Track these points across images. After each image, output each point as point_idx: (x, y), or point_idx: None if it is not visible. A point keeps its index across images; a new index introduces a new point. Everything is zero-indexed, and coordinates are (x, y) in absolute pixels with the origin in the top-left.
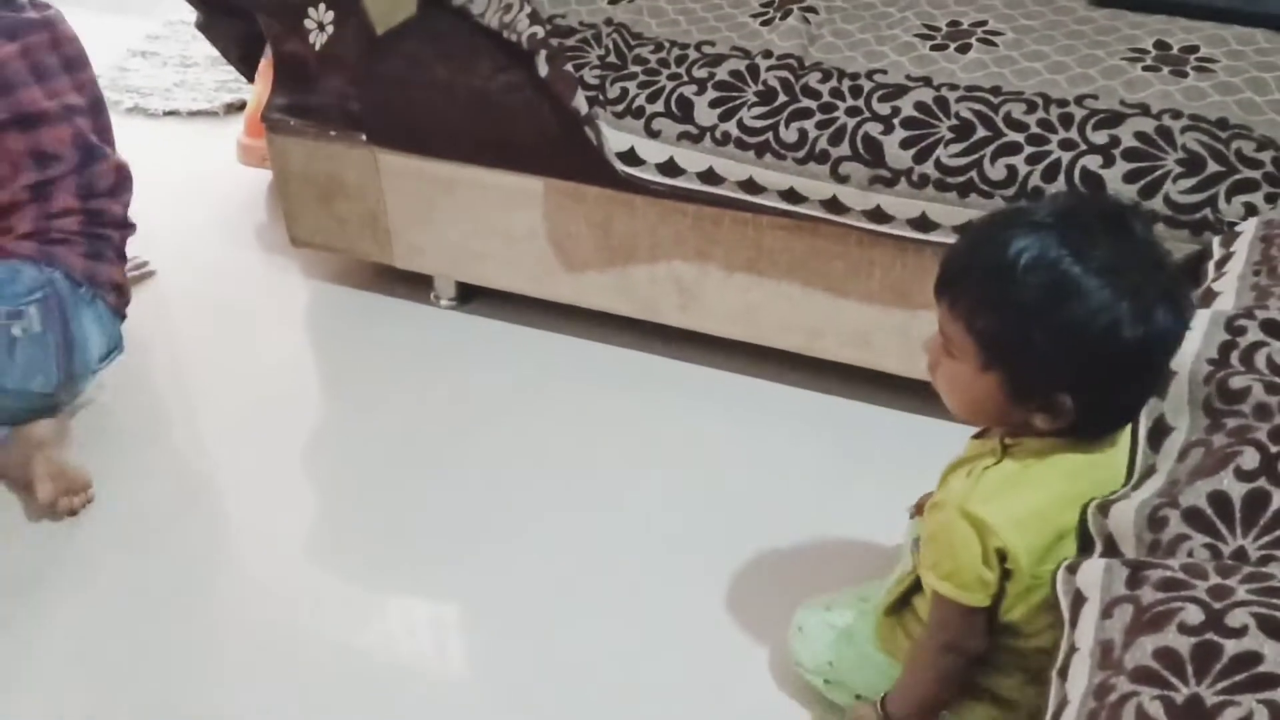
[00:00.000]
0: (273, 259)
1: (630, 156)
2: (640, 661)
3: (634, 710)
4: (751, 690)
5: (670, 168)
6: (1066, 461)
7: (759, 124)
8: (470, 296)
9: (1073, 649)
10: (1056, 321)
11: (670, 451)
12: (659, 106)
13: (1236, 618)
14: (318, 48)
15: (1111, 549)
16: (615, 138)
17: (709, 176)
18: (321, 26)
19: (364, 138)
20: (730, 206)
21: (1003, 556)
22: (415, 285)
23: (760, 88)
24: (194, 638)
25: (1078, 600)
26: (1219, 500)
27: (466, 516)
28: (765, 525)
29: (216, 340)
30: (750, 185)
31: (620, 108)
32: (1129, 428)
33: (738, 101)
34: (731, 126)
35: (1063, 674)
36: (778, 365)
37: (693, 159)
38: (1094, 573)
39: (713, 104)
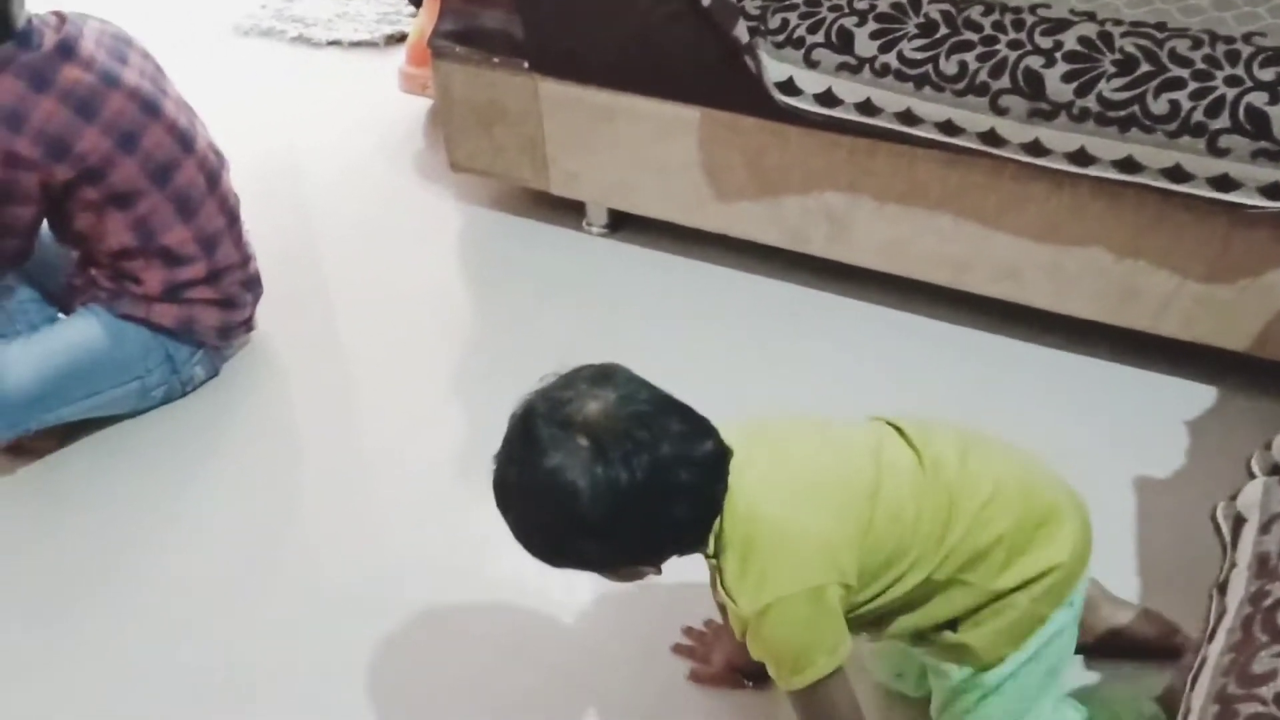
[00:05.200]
0: (429, 185)
1: (789, 86)
2: None
3: None
4: None
5: (828, 98)
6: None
7: (919, 56)
8: (621, 224)
9: (1232, 565)
10: (548, 528)
11: (812, 380)
12: (819, 37)
13: None
14: None
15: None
16: (774, 68)
17: (866, 108)
18: None
19: (526, 65)
20: (886, 138)
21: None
22: (568, 212)
23: (921, 20)
24: (329, 548)
25: (1238, 522)
26: None
27: None
28: None
29: (372, 261)
30: (908, 117)
31: (780, 38)
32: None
33: (898, 33)
34: (891, 58)
35: (1222, 589)
36: (923, 299)
37: (851, 90)
38: (1253, 494)
39: (873, 35)
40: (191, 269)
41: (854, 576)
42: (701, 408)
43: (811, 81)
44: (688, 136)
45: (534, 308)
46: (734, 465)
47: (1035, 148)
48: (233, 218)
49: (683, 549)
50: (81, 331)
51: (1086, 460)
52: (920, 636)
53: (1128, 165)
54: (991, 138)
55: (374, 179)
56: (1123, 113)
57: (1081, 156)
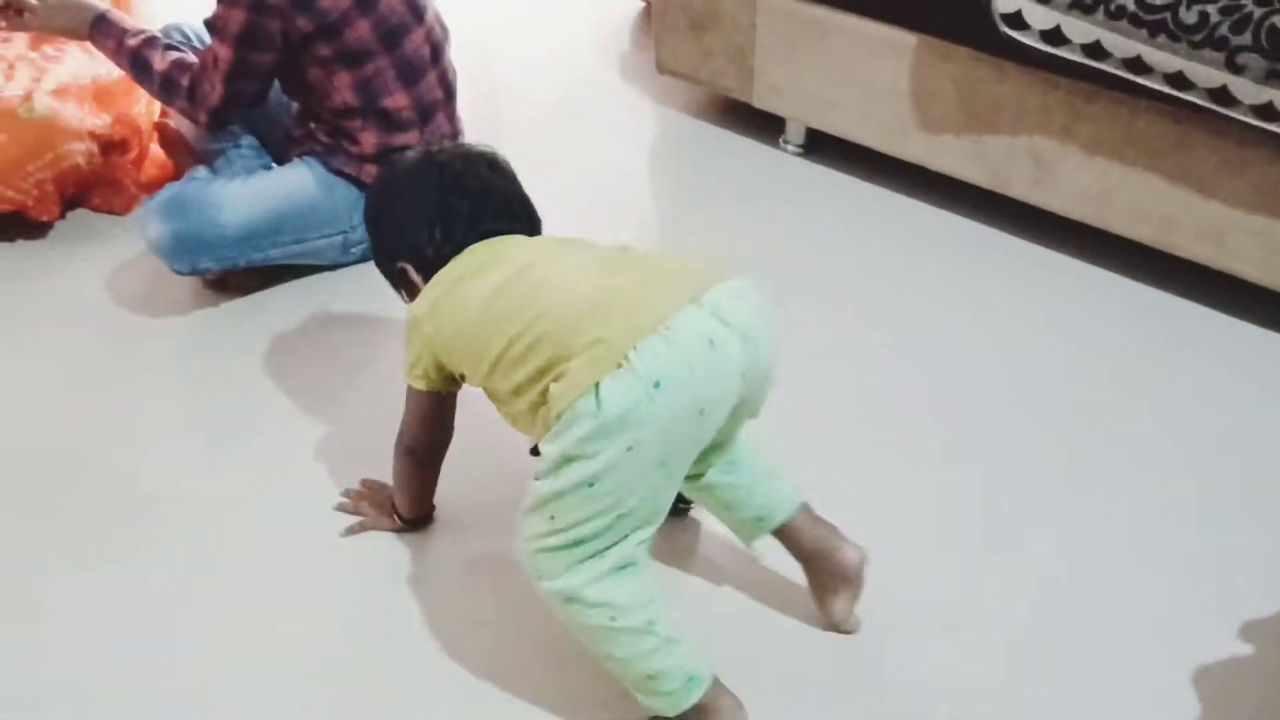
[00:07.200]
0: (631, 85)
1: (1015, 20)
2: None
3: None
4: None
5: (1055, 36)
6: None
7: (1158, 1)
8: (817, 146)
9: None
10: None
11: (988, 325)
12: None
13: None
14: None
15: None
16: None
17: (1094, 50)
18: None
19: None
20: (1108, 85)
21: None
22: (764, 128)
23: None
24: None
25: None
26: None
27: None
28: (1060, 410)
29: (566, 150)
30: (1136, 64)
31: None
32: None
33: None
34: (1128, 0)
35: None
36: (1117, 256)
37: (1081, 30)
38: None
39: None
40: (405, 135)
41: (443, 339)
42: (869, 334)
43: (1041, 17)
44: (900, 61)
45: (719, 217)
46: (514, 252)
47: (1268, 111)
48: (450, 92)
49: (425, 257)
50: (296, 180)
51: (1267, 445)
52: None
53: None
54: (1222, 96)
55: (579, 72)
56: None
57: None
